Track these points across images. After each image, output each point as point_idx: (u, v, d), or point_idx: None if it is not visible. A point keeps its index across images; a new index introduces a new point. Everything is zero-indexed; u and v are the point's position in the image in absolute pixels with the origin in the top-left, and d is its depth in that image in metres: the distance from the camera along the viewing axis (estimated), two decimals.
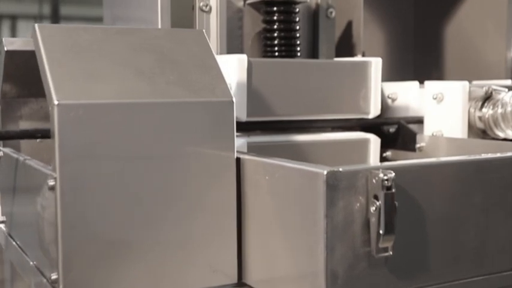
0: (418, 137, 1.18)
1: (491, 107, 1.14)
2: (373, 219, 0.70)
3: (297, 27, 1.15)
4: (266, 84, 1.04)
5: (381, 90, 1.34)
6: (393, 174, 0.69)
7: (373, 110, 1.13)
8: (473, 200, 0.78)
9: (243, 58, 1.01)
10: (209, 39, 1.13)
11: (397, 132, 1.22)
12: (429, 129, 1.21)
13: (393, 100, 1.32)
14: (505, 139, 1.15)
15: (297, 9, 1.14)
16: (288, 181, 0.75)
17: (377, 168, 0.70)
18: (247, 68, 1.01)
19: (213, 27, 1.13)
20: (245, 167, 0.83)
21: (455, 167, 0.77)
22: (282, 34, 1.14)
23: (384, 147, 1.25)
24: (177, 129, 0.80)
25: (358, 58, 1.18)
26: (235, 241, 0.84)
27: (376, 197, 0.69)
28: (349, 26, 1.31)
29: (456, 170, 0.76)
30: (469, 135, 1.17)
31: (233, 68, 1.01)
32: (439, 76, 1.74)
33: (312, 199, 0.70)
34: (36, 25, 0.81)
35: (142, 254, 0.79)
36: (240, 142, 1.02)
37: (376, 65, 1.12)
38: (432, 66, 1.76)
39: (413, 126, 1.26)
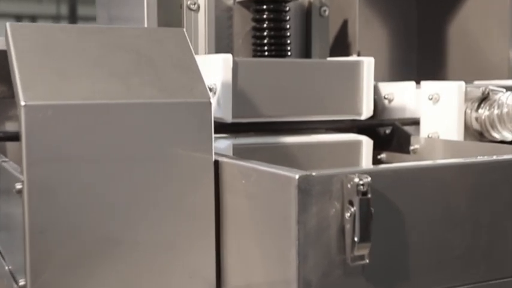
0: (412, 138, 1.14)
1: (487, 107, 1.10)
2: (348, 226, 0.67)
3: (287, 26, 1.12)
4: (253, 85, 1.01)
5: (378, 90, 1.32)
6: (369, 179, 0.66)
7: (366, 111, 1.10)
8: (458, 205, 0.74)
9: (228, 58, 0.98)
10: (197, 38, 1.11)
11: (391, 134, 1.19)
12: (425, 130, 1.18)
13: (390, 101, 1.29)
14: (502, 141, 1.12)
15: (287, 8, 1.12)
16: (262, 185, 0.72)
17: (352, 173, 0.67)
18: (233, 68, 0.99)
19: (201, 26, 1.10)
20: (223, 170, 0.81)
21: (437, 171, 0.73)
22: (272, 33, 1.11)
23: (378, 149, 1.22)
24: (152, 131, 0.77)
25: (350, 58, 1.15)
26: (214, 246, 0.81)
27: (351, 203, 0.66)
28: (344, 25, 1.28)
29: (438, 173, 0.73)
30: (465, 137, 1.13)
31: (218, 68, 0.99)
32: (442, 76, 1.70)
33: (284, 204, 0.67)
34: (7, 24, 0.79)
35: (116, 260, 0.77)
36: (226, 144, 1.00)
37: (368, 64, 1.09)
38: (435, 66, 1.73)
39: (409, 128, 1.23)
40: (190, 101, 0.80)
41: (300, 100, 1.05)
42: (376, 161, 1.21)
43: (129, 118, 0.77)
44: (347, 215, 0.66)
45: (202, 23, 1.10)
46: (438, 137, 1.15)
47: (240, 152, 1.00)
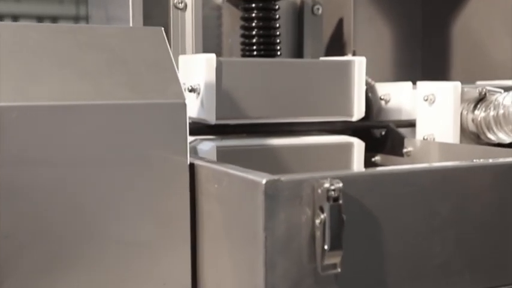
0: (406, 141, 1.11)
1: (483, 109, 1.06)
2: (318, 233, 0.64)
3: (277, 25, 1.09)
4: (238, 85, 0.98)
5: (375, 91, 1.28)
6: (341, 184, 0.63)
7: (357, 113, 1.07)
8: (439, 211, 0.71)
9: (211, 57, 0.95)
10: (184, 37, 1.08)
11: (386, 136, 1.15)
12: (421, 132, 1.14)
13: (386, 102, 1.26)
14: (498, 144, 1.08)
15: (277, 6, 1.09)
16: (233, 190, 0.70)
17: (324, 178, 0.64)
18: (217, 68, 0.96)
19: (189, 25, 1.08)
20: (198, 173, 0.78)
21: (417, 176, 0.70)
22: (261, 32, 1.08)
23: (373, 151, 1.18)
24: (123, 133, 0.75)
25: (342, 57, 1.12)
26: (189, 253, 0.78)
27: (321, 209, 0.63)
28: (339, 24, 1.24)
29: (418, 178, 0.70)
30: (462, 139, 1.09)
31: (201, 68, 0.96)
32: (447, 76, 1.66)
33: (253, 210, 0.64)
34: None
35: (85, 266, 0.74)
36: (209, 146, 0.97)
37: (359, 64, 1.05)
38: (440, 65, 1.68)
39: (406, 130, 1.19)
40: (164, 102, 0.77)
41: (288, 101, 1.02)
42: (370, 163, 1.18)
43: (99, 119, 0.74)
44: (317, 221, 0.63)
45: (189, 22, 1.07)
46: (434, 139, 1.11)
47: (224, 155, 0.98)
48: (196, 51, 1.07)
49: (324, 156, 1.05)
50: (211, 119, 0.96)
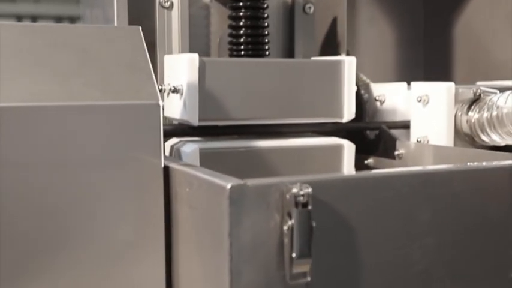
0: (397, 143, 1.08)
1: (477, 110, 1.02)
2: (286, 240, 0.61)
3: (265, 24, 1.06)
4: (223, 86, 0.96)
5: (370, 92, 1.25)
6: (310, 189, 0.61)
7: (347, 114, 1.04)
8: (419, 217, 0.68)
9: (193, 57, 0.93)
10: (171, 37, 1.06)
11: (378, 138, 1.12)
12: (415, 134, 1.11)
13: (381, 102, 1.22)
14: (493, 147, 1.04)
15: (265, 5, 1.06)
16: (202, 194, 0.67)
17: (293, 182, 0.61)
18: (200, 68, 0.93)
19: (175, 24, 1.05)
20: (172, 176, 0.76)
21: (394, 180, 0.67)
22: (249, 31, 1.05)
23: (366, 153, 1.15)
24: (94, 135, 0.73)
25: (331, 57, 1.09)
26: (163, 257, 0.76)
27: (289, 215, 0.61)
28: (332, 23, 1.21)
29: (396, 183, 0.67)
30: (456, 142, 1.06)
31: (184, 69, 0.94)
32: (449, 76, 1.62)
33: (219, 216, 0.62)
34: None
35: (56, 271, 0.72)
36: (192, 148, 0.94)
37: (349, 64, 1.02)
38: (442, 65, 1.65)
39: (401, 131, 1.16)
40: (136, 103, 0.75)
41: (275, 102, 1.00)
42: (362, 166, 1.15)
43: (70, 121, 0.72)
44: (285, 228, 0.61)
45: (175, 21, 1.05)
46: (428, 141, 1.08)
47: (208, 157, 0.95)
48: (183, 51, 1.05)
49: (312, 159, 1.02)
50: (194, 121, 0.94)
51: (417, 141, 1.09)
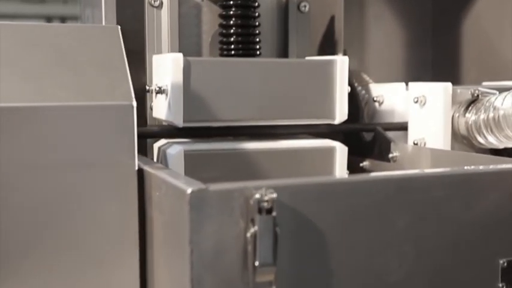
0: (392, 145, 1.04)
1: (474, 111, 0.99)
2: (249, 248, 0.58)
3: (256, 23, 1.04)
4: (209, 86, 0.93)
5: (369, 92, 1.22)
6: (274, 194, 0.58)
7: (339, 115, 1.00)
8: (396, 225, 0.65)
9: (177, 57, 0.91)
10: (160, 36, 1.04)
11: (374, 140, 1.09)
12: (412, 136, 1.07)
13: (380, 103, 1.19)
14: (493, 150, 1.00)
15: (256, 4, 1.03)
16: (168, 198, 0.65)
17: (258, 187, 0.59)
18: (184, 68, 0.91)
19: (165, 23, 1.03)
20: (146, 179, 0.74)
21: (369, 186, 0.64)
22: (239, 31, 1.02)
23: (362, 156, 1.12)
24: (65, 137, 0.71)
25: (323, 57, 1.06)
26: (137, 261, 0.74)
27: (253, 222, 0.58)
28: (328, 22, 1.18)
29: (370, 189, 0.64)
30: (453, 144, 1.02)
31: (168, 69, 0.91)
32: (457, 76, 1.58)
33: (181, 221, 0.60)
34: None
35: (27, 277, 0.71)
36: (176, 150, 0.92)
37: (341, 64, 0.99)
38: (450, 65, 1.60)
39: (399, 133, 1.12)
40: (109, 103, 0.73)
41: (264, 103, 0.97)
42: (358, 169, 1.12)
43: (39, 122, 0.70)
44: (248, 235, 0.58)
45: (165, 20, 1.03)
46: (424, 143, 1.04)
47: (194, 160, 0.93)
48: (172, 51, 1.02)
49: (303, 162, 0.99)
50: (179, 122, 0.92)
51: (414, 143, 1.06)
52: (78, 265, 0.72)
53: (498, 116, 0.93)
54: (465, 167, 0.69)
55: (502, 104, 0.93)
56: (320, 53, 1.19)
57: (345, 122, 1.10)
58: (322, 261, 0.62)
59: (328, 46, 1.18)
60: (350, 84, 1.16)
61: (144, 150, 1.05)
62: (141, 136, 1.00)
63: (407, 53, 1.67)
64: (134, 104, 0.74)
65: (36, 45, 0.76)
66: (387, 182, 0.64)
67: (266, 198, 0.58)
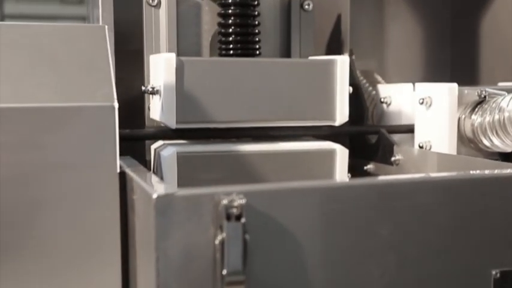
0: (395, 148, 1.00)
1: (480, 113, 0.95)
2: (217, 255, 0.56)
3: (256, 22, 1.01)
4: (203, 87, 0.91)
5: (378, 93, 1.18)
6: (244, 200, 0.55)
7: (340, 117, 0.97)
8: (378, 233, 0.62)
9: (170, 57, 0.89)
10: (158, 36, 1.02)
11: (378, 143, 1.06)
12: (419, 139, 1.04)
13: (388, 105, 1.16)
14: (502, 154, 0.96)
15: (256, 2, 1.01)
16: (141, 202, 0.63)
17: (227, 193, 0.56)
18: (177, 69, 0.89)
19: (163, 23, 1.01)
20: (127, 182, 0.72)
21: (348, 192, 0.61)
22: (238, 30, 1.00)
23: (366, 158, 1.09)
24: (44, 139, 0.70)
25: (323, 57, 1.03)
26: (119, 266, 0.72)
27: (221, 228, 0.56)
28: (334, 20, 1.15)
29: (350, 195, 0.61)
30: (459, 148, 0.98)
31: (160, 69, 0.90)
32: (476, 76, 1.53)
33: (149, 227, 0.58)
34: None
35: (5, 283, 0.69)
36: (169, 152, 0.90)
37: (342, 64, 0.96)
38: (469, 65, 1.55)
39: (406, 136, 1.09)
40: (90, 105, 0.72)
41: (262, 104, 0.94)
42: (362, 172, 1.09)
43: (18, 124, 0.69)
44: (216, 242, 0.56)
45: (163, 19, 1.01)
46: (430, 146, 1.00)
47: (188, 161, 0.91)
48: (170, 51, 1.01)
49: (303, 164, 0.97)
50: (172, 123, 0.90)
51: (419, 146, 1.02)
52: (58, 269, 0.71)
53: (503, 118, 0.89)
54: (451, 173, 0.65)
55: (507, 106, 0.88)
56: (325, 53, 1.16)
57: (350, 124, 1.07)
58: (298, 270, 0.59)
59: (333, 46, 1.15)
60: (356, 84, 1.13)
61: (142, 152, 1.04)
62: (137, 138, 1.00)
63: (426, 53, 1.63)
64: (116, 105, 0.72)
65: (17, 45, 0.75)
66: (367, 188, 0.61)
67: (235, 204, 0.55)
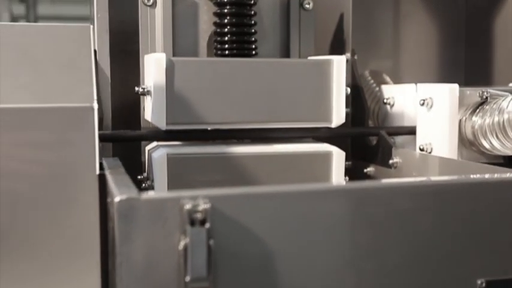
0: (393, 151, 0.98)
1: (481, 114, 0.91)
2: (181, 261, 0.54)
3: (252, 22, 0.99)
4: (195, 88, 0.89)
5: (381, 94, 1.16)
6: (209, 205, 0.54)
7: (336, 119, 0.95)
8: (355, 240, 0.59)
9: (160, 57, 0.88)
10: (154, 36, 1.01)
11: (377, 145, 1.03)
12: (420, 141, 1.01)
13: (391, 106, 1.13)
14: (507, 157, 0.93)
15: (252, 1, 0.99)
16: (110, 206, 0.62)
17: (193, 197, 0.54)
18: (168, 69, 0.88)
19: (158, 22, 1.00)
20: (106, 185, 0.71)
21: (321, 197, 0.59)
22: (234, 29, 0.98)
23: (367, 161, 1.06)
24: (22, 140, 0.69)
25: (319, 57, 1.00)
26: (99, 270, 0.71)
27: (185, 233, 0.54)
28: (336, 20, 1.12)
29: (323, 200, 0.59)
30: (461, 150, 0.95)
31: (151, 69, 0.88)
32: (491, 76, 1.49)
33: (114, 232, 0.56)
34: None
35: None
36: (159, 153, 0.89)
37: (338, 64, 0.94)
38: (483, 65, 1.51)
39: (410, 138, 1.06)
40: (68, 106, 0.71)
41: (255, 105, 0.92)
42: (362, 175, 1.06)
43: None
44: (180, 248, 0.54)
45: (159, 19, 1.00)
46: (431, 149, 0.97)
47: (179, 163, 0.89)
48: (166, 51, 0.99)
49: (297, 167, 0.94)
50: (162, 125, 0.89)
51: (420, 149, 0.99)
52: (36, 272, 0.70)
53: (503, 120, 0.85)
54: (431, 178, 0.62)
55: (507, 107, 0.85)
56: (328, 53, 1.14)
57: (351, 126, 1.05)
58: (266, 277, 0.57)
59: (335, 45, 1.13)
60: (357, 85, 1.11)
61: (138, 153, 1.03)
62: (129, 139, 0.98)
63: (440, 53, 1.59)
64: (95, 106, 0.71)
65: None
66: (345, 193, 0.59)
67: (199, 208, 0.54)
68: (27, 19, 4.40)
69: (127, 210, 0.54)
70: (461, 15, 1.55)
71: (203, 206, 0.54)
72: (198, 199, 0.54)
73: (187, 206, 0.53)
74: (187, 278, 0.53)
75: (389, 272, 0.60)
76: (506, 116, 0.85)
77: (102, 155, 0.87)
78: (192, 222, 0.53)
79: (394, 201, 0.59)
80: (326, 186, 0.61)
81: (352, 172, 1.09)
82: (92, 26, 0.79)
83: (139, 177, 0.96)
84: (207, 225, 0.54)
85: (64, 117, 0.70)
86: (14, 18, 4.31)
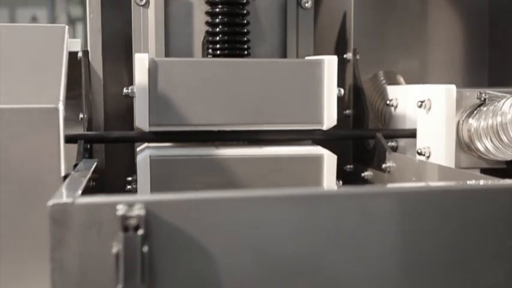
0: (387, 155, 0.94)
1: (477, 117, 0.86)
2: (115, 270, 0.52)
3: (245, 21, 0.97)
4: (179, 89, 0.88)
5: (386, 95, 1.12)
6: (143, 211, 0.52)
7: (327, 121, 0.92)
8: (310, 252, 0.57)
9: (142, 58, 0.86)
10: (147, 36, 1.00)
11: (374, 148, 0.99)
12: (419, 144, 0.97)
13: (395, 108, 1.08)
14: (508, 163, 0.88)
15: (245, 0, 0.96)
16: None
17: (130, 203, 0.53)
18: (150, 69, 0.86)
19: (151, 23, 0.99)
20: None
21: (269, 203, 0.56)
22: (225, 29, 0.96)
23: (364, 164, 1.03)
24: None
25: (312, 57, 0.97)
26: None
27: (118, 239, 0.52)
28: (338, 19, 1.09)
29: (271, 207, 0.56)
30: (458, 154, 0.90)
31: (135, 70, 0.87)
32: None
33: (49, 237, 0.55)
34: None
35: None
36: (143, 155, 0.88)
37: (329, 64, 0.90)
38: (507, 65, 1.44)
39: (411, 142, 1.02)
40: (32, 107, 0.70)
41: (243, 107, 0.90)
42: (361, 179, 1.02)
43: None
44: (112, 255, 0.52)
45: (152, 19, 0.98)
46: (430, 153, 0.93)
47: (163, 166, 0.88)
48: (158, 51, 0.98)
49: (287, 170, 0.92)
50: (144, 126, 0.87)
51: (418, 153, 0.95)
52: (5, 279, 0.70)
53: (497, 123, 0.81)
54: (406, 184, 0.59)
55: (501, 108, 0.80)
56: (330, 53, 1.10)
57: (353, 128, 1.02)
58: (208, 286, 0.55)
59: (337, 45, 1.09)
60: (358, 86, 1.07)
61: (132, 155, 1.02)
62: (115, 140, 0.97)
63: (464, 52, 1.53)
64: (60, 107, 0.70)
65: None
66: (293, 200, 0.56)
67: (132, 214, 0.52)
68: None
69: (60, 214, 0.52)
70: (484, 15, 1.49)
71: (137, 211, 0.52)
72: (134, 204, 0.52)
73: (121, 212, 0.51)
74: (119, 286, 0.51)
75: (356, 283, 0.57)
76: (499, 119, 0.80)
77: (83, 156, 0.87)
78: (126, 229, 0.52)
79: (370, 207, 0.56)
80: (266, 192, 0.57)
81: (353, 176, 1.05)
82: (67, 27, 0.79)
83: (128, 178, 0.95)
84: (140, 231, 0.52)
85: (28, 118, 0.70)
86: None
